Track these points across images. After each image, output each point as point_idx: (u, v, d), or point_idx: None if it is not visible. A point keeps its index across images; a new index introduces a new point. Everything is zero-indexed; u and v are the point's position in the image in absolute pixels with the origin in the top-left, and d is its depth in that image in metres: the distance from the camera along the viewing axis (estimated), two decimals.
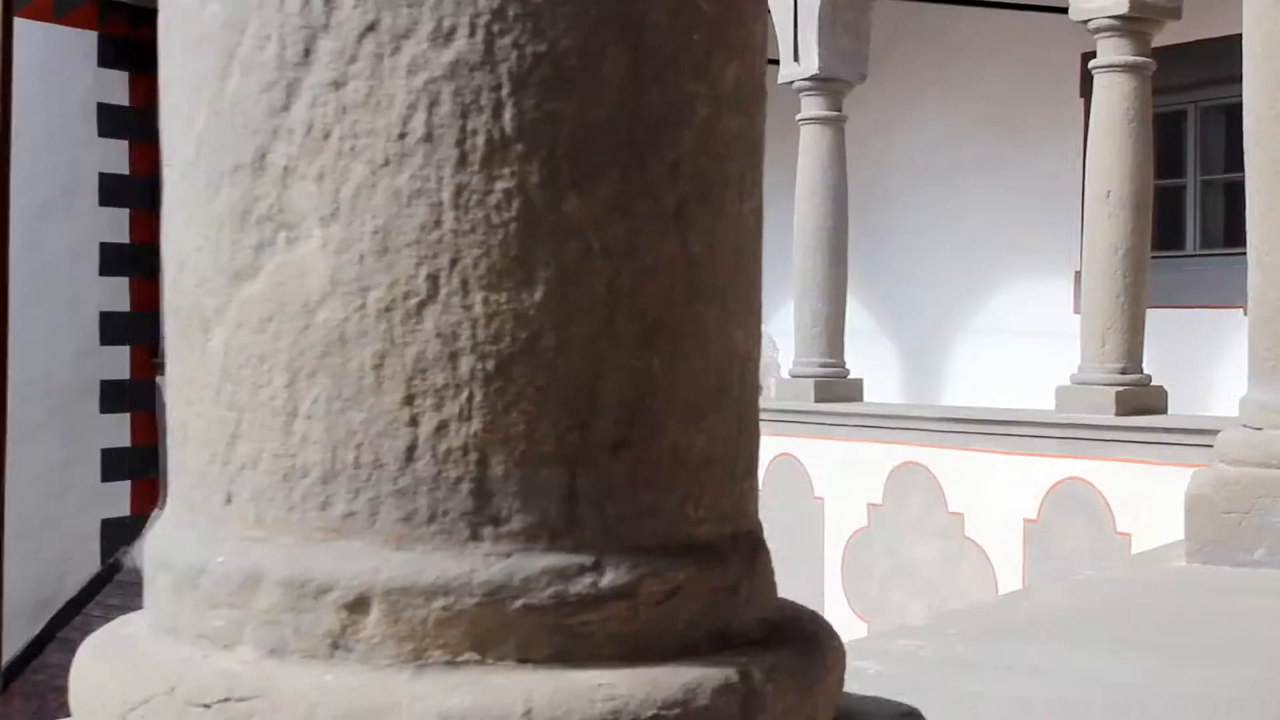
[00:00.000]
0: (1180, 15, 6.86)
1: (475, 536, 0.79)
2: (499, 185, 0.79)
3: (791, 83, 8.34)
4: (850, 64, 8.30)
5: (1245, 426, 3.18)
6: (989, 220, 9.69)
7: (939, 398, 9.77)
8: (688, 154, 0.84)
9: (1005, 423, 6.99)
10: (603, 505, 0.82)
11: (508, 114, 0.79)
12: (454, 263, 0.78)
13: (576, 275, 0.80)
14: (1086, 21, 6.82)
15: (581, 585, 0.80)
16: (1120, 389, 6.72)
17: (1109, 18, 6.71)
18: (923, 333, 10.17)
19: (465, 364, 0.78)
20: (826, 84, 8.26)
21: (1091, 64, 6.91)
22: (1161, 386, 6.93)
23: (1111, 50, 6.78)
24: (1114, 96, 6.80)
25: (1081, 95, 8.72)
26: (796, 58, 8.27)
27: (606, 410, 0.82)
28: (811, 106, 8.32)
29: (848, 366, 8.44)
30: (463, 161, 0.78)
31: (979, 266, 9.77)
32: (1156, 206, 7.13)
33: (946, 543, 7.26)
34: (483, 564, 0.79)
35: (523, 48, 0.78)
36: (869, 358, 9.47)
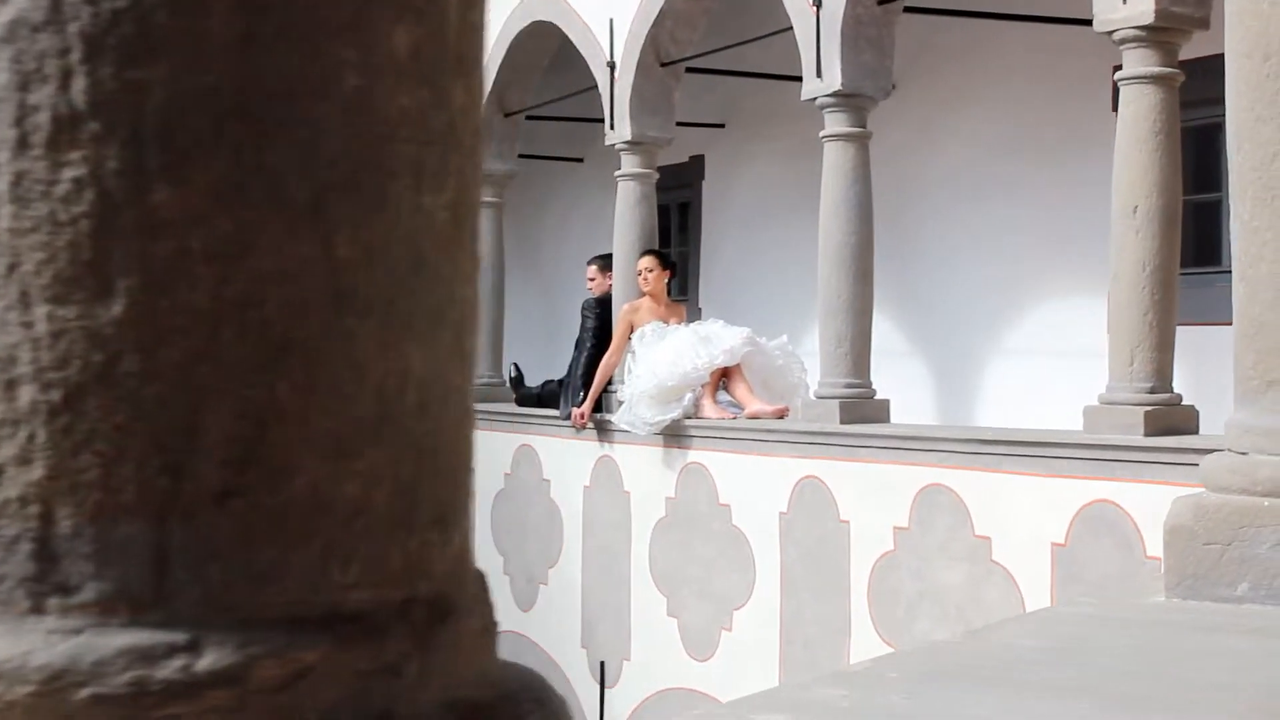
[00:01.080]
0: (1208, 25, 6.65)
1: (38, 609, 0.64)
2: (68, 173, 0.64)
3: (815, 99, 8.20)
4: (874, 79, 8.15)
5: (1230, 451, 3.00)
6: (1021, 238, 9.50)
7: (971, 418, 9.57)
8: (329, 132, 0.69)
9: (1031, 444, 6.80)
10: (204, 568, 0.66)
11: (78, 85, 0.64)
12: (11, 269, 0.63)
13: (169, 284, 0.65)
14: (1111, 33, 6.63)
15: (170, 669, 0.65)
16: (1149, 409, 6.50)
17: (1134, 29, 6.52)
18: (954, 352, 9.99)
19: (25, 395, 0.64)
20: (849, 100, 8.10)
21: (1117, 76, 6.72)
22: (1192, 406, 6.71)
23: (1137, 62, 6.58)
24: (1141, 109, 6.60)
25: (1114, 109, 8.50)
26: (819, 74, 8.12)
27: (210, 450, 0.66)
28: (835, 123, 8.16)
29: (874, 387, 8.26)
30: (23, 144, 0.64)
31: (1011, 285, 9.57)
32: (1190, 222, 6.91)
33: (973, 567, 7.07)
34: (44, 643, 0.63)
35: (98, 3, 0.63)
36: (898, 378, 9.29)
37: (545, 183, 13.90)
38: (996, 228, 9.67)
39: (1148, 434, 6.46)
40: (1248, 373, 2.99)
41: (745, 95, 11.68)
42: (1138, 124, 6.60)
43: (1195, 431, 6.67)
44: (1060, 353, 8.93)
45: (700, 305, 12.37)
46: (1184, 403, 6.70)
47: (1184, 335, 6.82)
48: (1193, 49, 6.74)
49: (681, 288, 12.95)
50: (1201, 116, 7.91)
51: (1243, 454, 3.00)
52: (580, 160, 13.40)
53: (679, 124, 11.89)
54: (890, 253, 9.94)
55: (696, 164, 12.60)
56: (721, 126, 12.28)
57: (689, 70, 9.98)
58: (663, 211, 13.33)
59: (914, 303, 10.13)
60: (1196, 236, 8.33)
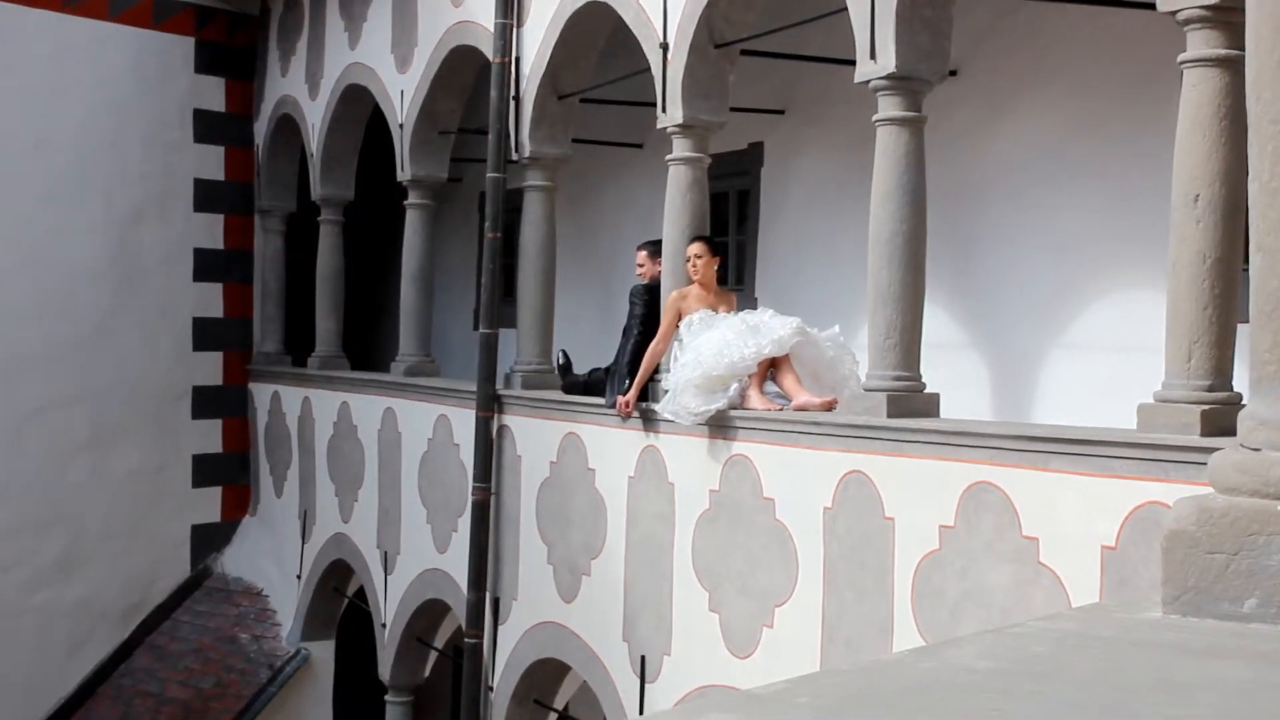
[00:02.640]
0: None
1: None
2: None
3: (868, 82, 7.93)
4: (929, 62, 7.86)
5: (1243, 447, 2.72)
6: (1084, 228, 9.18)
7: (1026, 414, 9.27)
8: None
9: (1083, 442, 6.50)
10: None
11: None
12: None
13: None
14: (1175, 13, 6.33)
15: None
16: (1206, 407, 6.20)
17: (1198, 8, 6.21)
18: (1011, 346, 9.68)
19: None
20: (904, 83, 7.82)
21: (1180, 58, 6.41)
22: None
23: (1201, 43, 6.27)
24: (1204, 93, 6.29)
25: None
26: (873, 55, 7.85)
27: None
28: (888, 107, 7.89)
29: (924, 380, 8.00)
30: None
31: (1073, 276, 9.25)
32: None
33: (1020, 569, 6.79)
34: None
35: None
36: (952, 372, 9.00)
37: (604, 169, 13.71)
38: (1058, 218, 9.36)
39: (1204, 434, 6.16)
40: (1264, 357, 2.69)
41: (805, 80, 11.42)
42: (1200, 108, 6.29)
43: None
44: (1123, 348, 8.62)
45: (756, 295, 12.13)
46: (1244, 402, 6.38)
47: (1246, 333, 6.49)
48: None
49: (738, 277, 12.71)
50: None
51: (1255, 450, 2.71)
52: (640, 146, 13.19)
53: (737, 109, 11.67)
54: (946, 242, 9.66)
55: (755, 151, 12.35)
56: (781, 113, 12.02)
57: (745, 53, 9.73)
58: (721, 199, 13.12)
59: (970, 295, 9.84)
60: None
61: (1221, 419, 6.24)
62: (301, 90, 14.98)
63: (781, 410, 8.48)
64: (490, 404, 11.19)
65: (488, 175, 11.24)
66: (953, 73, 9.70)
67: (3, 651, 14.32)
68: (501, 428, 11.27)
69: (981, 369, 9.85)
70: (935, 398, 7.95)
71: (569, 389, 10.58)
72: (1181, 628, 2.63)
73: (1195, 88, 6.33)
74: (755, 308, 10.02)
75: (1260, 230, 2.64)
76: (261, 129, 15.86)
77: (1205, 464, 6.12)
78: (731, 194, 12.87)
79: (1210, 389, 6.30)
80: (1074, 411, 8.20)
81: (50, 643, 14.68)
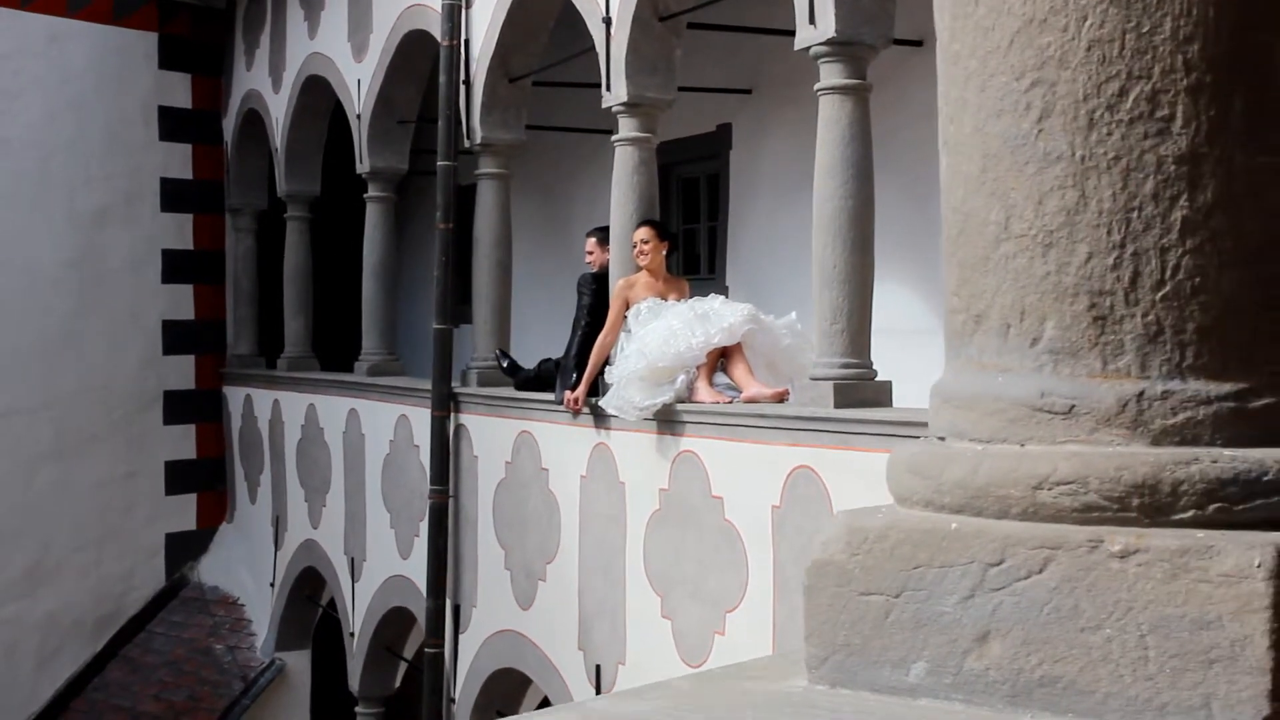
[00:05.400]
0: None
1: None
2: None
3: (808, 49, 7.41)
4: (873, 25, 7.32)
5: (931, 437, 2.11)
6: None
7: None
8: None
9: None
10: None
11: None
12: None
13: None
14: None
15: None
16: None
17: None
18: None
19: None
20: (846, 49, 7.29)
21: None
22: None
23: None
24: None
25: None
26: (812, 20, 7.32)
27: None
28: (830, 74, 7.36)
29: (876, 368, 7.47)
30: None
31: None
32: None
33: None
34: None
35: None
36: (911, 358, 8.44)
37: (577, 157, 13.19)
38: None
39: None
40: (951, 302, 2.11)
41: (773, 57, 10.86)
42: None
43: None
44: None
45: (727, 283, 11.60)
46: None
47: None
48: None
49: (709, 265, 12.20)
50: None
51: (940, 439, 2.02)
52: (610, 133, 12.65)
53: (702, 90, 11.18)
54: (907, 224, 9.13)
55: (723, 133, 11.82)
56: (749, 92, 11.49)
57: (694, 26, 9.21)
58: (691, 185, 12.61)
59: (931, 279, 9.27)
60: None
61: None
62: (265, 84, 14.52)
63: (731, 403, 7.96)
64: (445, 403, 10.70)
65: (438, 163, 10.75)
66: (918, 43, 9.20)
67: None
68: (459, 427, 10.78)
69: (938, 354, 9.27)
70: (887, 386, 7.43)
71: (521, 385, 10.07)
72: (824, 708, 1.86)
73: None
74: (728, 297, 9.52)
75: (944, 117, 1.99)
76: (230, 125, 15.41)
77: None
78: (702, 179, 12.35)
79: None
80: None
81: (19, 657, 14.28)
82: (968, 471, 1.92)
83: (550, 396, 9.40)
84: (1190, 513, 1.75)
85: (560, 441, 9.40)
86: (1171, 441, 1.84)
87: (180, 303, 15.36)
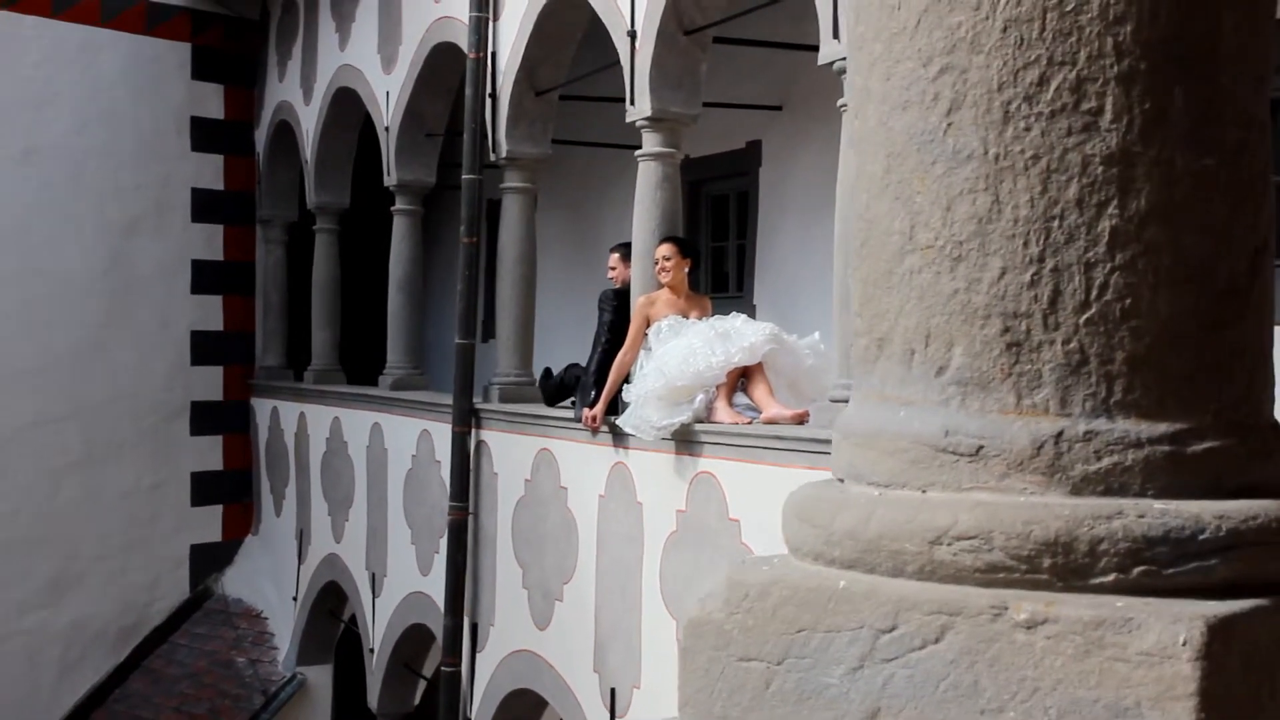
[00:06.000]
0: None
1: None
2: None
3: (832, 63, 7.26)
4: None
5: (827, 480, 1.88)
6: None
7: None
8: None
9: None
10: None
11: None
12: None
13: None
14: None
15: None
16: None
17: None
18: None
19: None
20: None
21: None
22: None
23: None
24: None
25: None
26: (836, 34, 7.18)
27: None
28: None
29: None
30: None
31: None
32: None
33: None
34: None
35: None
36: None
37: (607, 173, 13.07)
38: None
39: None
40: (856, 323, 1.83)
41: (803, 73, 10.71)
42: None
43: None
44: None
45: (755, 302, 11.44)
46: None
47: None
48: None
49: (738, 283, 12.05)
50: None
51: (839, 482, 1.79)
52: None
53: (732, 106, 11.05)
54: None
55: (754, 150, 11.68)
56: (779, 109, 11.35)
57: (720, 41, 9.08)
58: (720, 202, 12.47)
59: None
60: None
61: None
62: (297, 95, 14.49)
63: (750, 423, 7.80)
64: (466, 419, 10.58)
65: (463, 177, 10.65)
66: None
67: None
68: (480, 444, 10.65)
69: None
70: None
71: (549, 396, 9.94)
72: None
73: None
74: (755, 316, 9.37)
75: (851, 109, 1.75)
76: (261, 136, 15.39)
77: None
78: (732, 196, 12.22)
79: None
80: None
81: (42, 666, 14.24)
82: (859, 521, 1.63)
83: (570, 412, 9.28)
84: (1111, 576, 1.45)
85: (579, 460, 9.27)
86: (1094, 491, 1.53)
87: (209, 313, 15.32)
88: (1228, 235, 1.60)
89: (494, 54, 10.56)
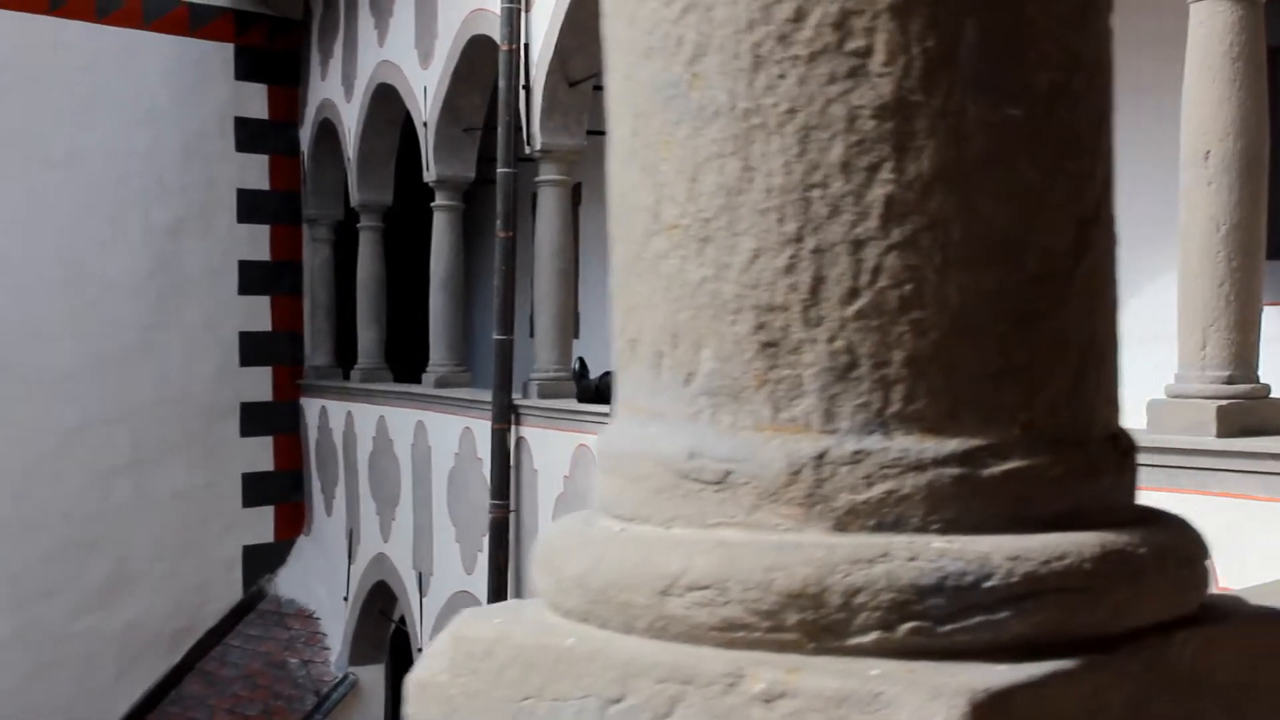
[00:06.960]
0: None
1: None
2: None
3: None
4: None
5: (586, 513, 1.44)
6: None
7: None
8: None
9: None
10: None
11: None
12: None
13: None
14: None
15: None
16: (1224, 403, 5.23)
17: None
18: None
19: None
20: None
21: None
22: None
23: None
24: (1214, 30, 5.32)
25: None
26: None
27: None
28: None
29: None
30: None
31: None
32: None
33: None
34: None
35: None
36: None
37: None
38: None
39: (1221, 434, 5.19)
40: (614, 320, 1.43)
41: None
42: (1209, 49, 5.33)
43: None
44: (1135, 337, 7.57)
45: None
46: (1271, 395, 5.38)
47: (1272, 315, 5.50)
48: None
49: None
50: None
51: (625, 523, 1.40)
52: None
53: None
54: None
55: None
56: None
57: None
58: None
59: None
60: None
61: (1241, 417, 5.26)
62: (339, 93, 14.42)
63: None
64: (506, 415, 10.44)
65: (498, 170, 10.51)
66: None
67: (47, 679, 13.92)
68: (520, 440, 10.52)
69: None
70: None
71: (582, 395, 9.80)
72: None
73: (1203, 24, 5.37)
74: None
75: (605, 65, 1.34)
76: (306, 135, 15.34)
77: (1222, 470, 5.17)
78: None
79: (1229, 380, 5.33)
80: None
81: (96, 669, 14.27)
82: (589, 565, 1.28)
83: (608, 409, 9.11)
84: (871, 636, 1.14)
85: None
86: (863, 526, 1.20)
87: (257, 314, 15.30)
88: (1040, 203, 1.26)
89: (527, 45, 10.41)
